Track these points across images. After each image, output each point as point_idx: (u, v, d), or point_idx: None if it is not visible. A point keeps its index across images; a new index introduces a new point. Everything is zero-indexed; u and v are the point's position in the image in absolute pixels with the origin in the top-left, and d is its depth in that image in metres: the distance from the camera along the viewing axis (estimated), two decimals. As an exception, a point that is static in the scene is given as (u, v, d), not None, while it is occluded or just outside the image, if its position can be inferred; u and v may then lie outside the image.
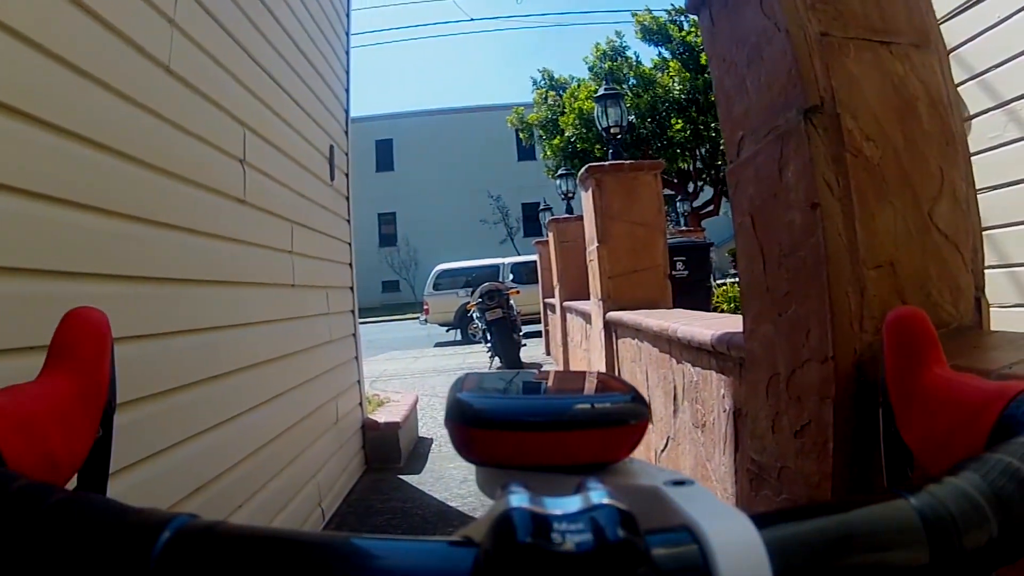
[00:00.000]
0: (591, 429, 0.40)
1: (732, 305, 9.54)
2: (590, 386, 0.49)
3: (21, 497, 0.30)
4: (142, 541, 0.28)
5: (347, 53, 5.04)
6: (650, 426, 3.62)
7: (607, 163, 4.85)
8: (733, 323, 2.73)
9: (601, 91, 5.94)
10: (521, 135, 22.81)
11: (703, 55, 18.36)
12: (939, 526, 0.31)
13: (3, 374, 1.36)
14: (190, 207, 2.29)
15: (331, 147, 4.35)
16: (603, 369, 4.53)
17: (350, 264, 4.68)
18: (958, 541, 0.31)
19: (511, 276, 15.10)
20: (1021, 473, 0.34)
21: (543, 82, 22.13)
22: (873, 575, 0.31)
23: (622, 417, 0.41)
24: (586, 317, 5.94)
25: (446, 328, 16.11)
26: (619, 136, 5.65)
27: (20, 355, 1.40)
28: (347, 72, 4.99)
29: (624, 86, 18.81)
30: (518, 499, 0.27)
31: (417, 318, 18.91)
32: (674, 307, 4.38)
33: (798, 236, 1.58)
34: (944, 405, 0.44)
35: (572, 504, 0.28)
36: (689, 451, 2.91)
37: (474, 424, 0.40)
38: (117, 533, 0.28)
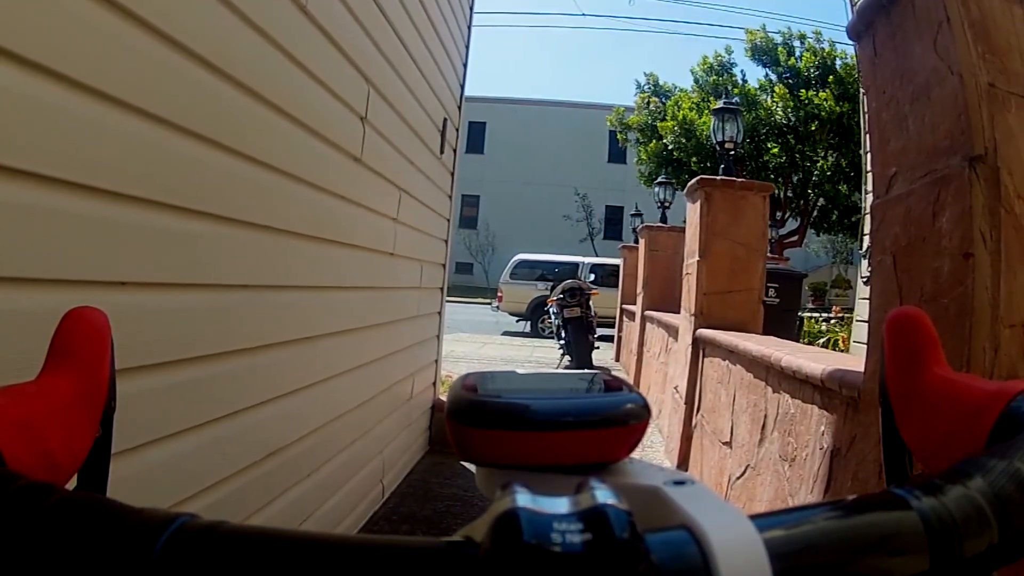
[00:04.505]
0: (591, 429, 0.40)
1: (807, 339, 9.36)
2: (591, 386, 0.49)
3: (21, 497, 0.30)
4: (142, 541, 0.27)
5: (469, 27, 4.97)
6: (727, 451, 3.55)
7: (718, 177, 4.77)
8: (837, 359, 2.65)
9: (720, 104, 5.84)
10: (619, 136, 22.59)
11: (804, 88, 18.09)
12: (941, 530, 0.31)
13: (96, 298, 1.34)
14: (305, 157, 2.22)
15: (444, 120, 4.30)
16: (683, 386, 4.51)
17: (446, 240, 4.63)
18: (959, 545, 0.31)
19: (592, 276, 14.95)
20: (1021, 474, 0.33)
21: (647, 86, 21.89)
22: None
23: (622, 417, 0.41)
24: (670, 330, 5.83)
25: (516, 318, 16.18)
26: (732, 152, 5.53)
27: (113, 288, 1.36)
28: (467, 46, 4.93)
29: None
30: (519, 499, 0.27)
31: (488, 304, 18.98)
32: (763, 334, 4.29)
33: (944, 283, 1.57)
34: (944, 405, 0.43)
35: (573, 504, 0.28)
36: (770, 483, 2.83)
37: (474, 424, 0.40)
38: (117, 533, 0.28)
